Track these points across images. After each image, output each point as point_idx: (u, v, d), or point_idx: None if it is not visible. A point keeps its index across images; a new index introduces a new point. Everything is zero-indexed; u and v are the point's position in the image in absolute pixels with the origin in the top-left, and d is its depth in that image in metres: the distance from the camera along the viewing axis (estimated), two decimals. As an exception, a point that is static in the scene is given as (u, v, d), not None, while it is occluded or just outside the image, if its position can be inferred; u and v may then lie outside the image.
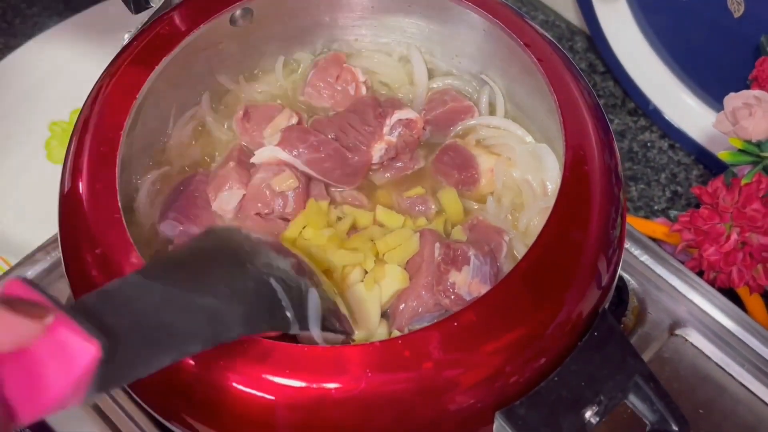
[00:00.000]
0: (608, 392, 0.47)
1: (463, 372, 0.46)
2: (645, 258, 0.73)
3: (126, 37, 0.61)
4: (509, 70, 0.63)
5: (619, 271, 0.54)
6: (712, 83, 0.88)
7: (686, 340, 0.70)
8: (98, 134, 0.54)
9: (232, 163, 0.60)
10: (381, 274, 0.55)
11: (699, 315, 0.71)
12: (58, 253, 0.55)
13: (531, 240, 0.50)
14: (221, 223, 0.60)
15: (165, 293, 0.40)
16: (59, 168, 0.55)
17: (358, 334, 0.54)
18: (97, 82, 0.58)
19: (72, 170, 0.54)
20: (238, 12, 0.62)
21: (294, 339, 0.54)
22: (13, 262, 0.72)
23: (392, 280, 0.55)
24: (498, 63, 0.64)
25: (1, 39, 1.00)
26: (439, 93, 0.66)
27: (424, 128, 0.64)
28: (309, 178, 0.61)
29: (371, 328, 0.55)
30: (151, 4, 0.61)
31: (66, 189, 0.54)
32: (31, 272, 0.70)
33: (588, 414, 0.47)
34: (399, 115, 0.62)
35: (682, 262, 0.74)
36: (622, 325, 0.70)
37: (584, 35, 1.01)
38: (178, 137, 0.64)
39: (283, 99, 0.67)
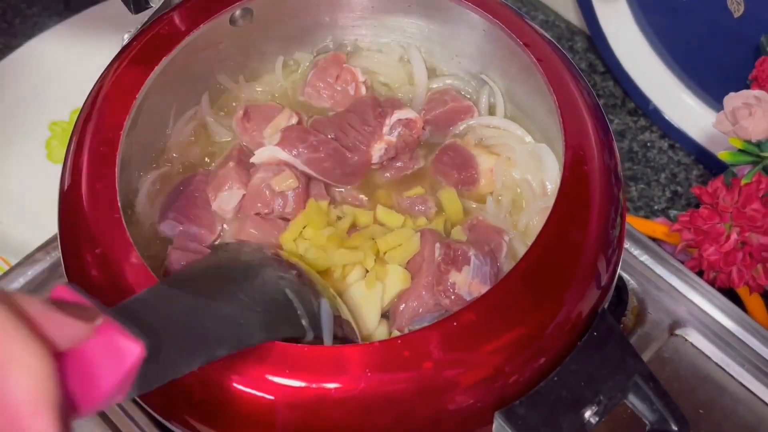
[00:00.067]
0: (608, 392, 0.47)
1: (463, 372, 0.46)
2: (645, 258, 0.73)
3: (126, 37, 0.61)
4: (509, 70, 0.63)
5: (619, 271, 0.54)
6: (712, 83, 0.88)
7: (686, 340, 0.70)
8: (98, 134, 0.54)
9: (231, 163, 0.60)
10: (383, 274, 0.55)
11: (699, 315, 0.71)
12: (58, 253, 0.55)
13: (531, 240, 0.50)
14: (221, 222, 0.60)
15: (191, 301, 0.42)
16: (59, 168, 0.55)
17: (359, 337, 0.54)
18: (97, 82, 0.58)
19: (72, 170, 0.54)
20: (237, 12, 0.62)
21: (294, 339, 0.54)
22: (13, 262, 0.72)
23: (395, 280, 0.55)
24: (498, 63, 0.64)
25: (1, 39, 1.00)
26: (438, 93, 0.67)
27: (423, 128, 0.64)
28: (309, 178, 0.61)
29: (370, 328, 0.55)
30: (151, 5, 0.61)
31: (66, 189, 0.54)
32: (31, 272, 0.70)
33: (587, 414, 0.47)
34: (398, 115, 0.62)
35: (682, 262, 0.74)
36: (621, 325, 0.70)
37: (584, 35, 1.01)
38: (177, 137, 0.64)
39: (282, 99, 0.67)
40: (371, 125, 0.62)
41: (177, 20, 0.60)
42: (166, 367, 0.37)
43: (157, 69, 0.57)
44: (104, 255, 0.49)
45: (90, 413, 0.33)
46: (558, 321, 0.48)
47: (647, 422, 0.50)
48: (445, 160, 0.62)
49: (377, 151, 0.61)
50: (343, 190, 0.62)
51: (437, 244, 0.55)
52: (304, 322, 0.48)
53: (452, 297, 0.54)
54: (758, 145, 0.74)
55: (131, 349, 0.33)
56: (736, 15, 0.82)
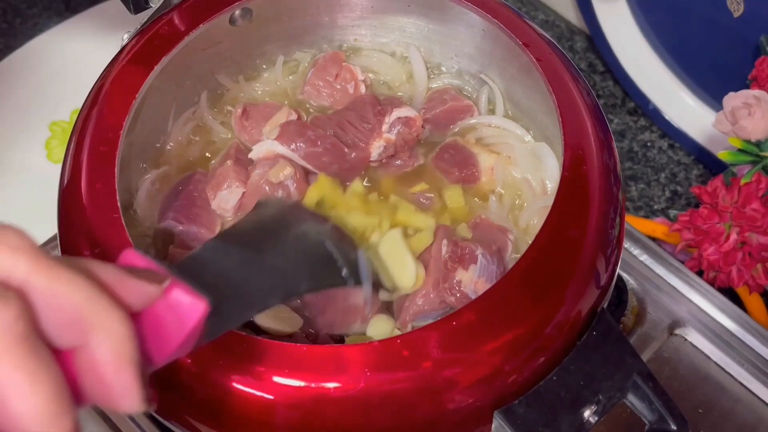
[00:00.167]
0: (607, 391, 0.48)
1: (462, 371, 0.46)
2: (644, 258, 0.73)
3: (125, 37, 0.61)
4: (508, 70, 0.63)
5: (619, 271, 0.54)
6: (712, 83, 0.88)
7: (686, 339, 0.70)
8: (98, 134, 0.54)
9: (229, 162, 0.60)
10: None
11: (698, 314, 0.71)
12: (57, 253, 0.55)
13: (531, 239, 0.50)
14: (221, 221, 0.60)
15: (242, 255, 0.45)
16: (59, 168, 0.55)
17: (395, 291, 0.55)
18: (96, 82, 0.58)
19: (71, 170, 0.54)
20: (237, 12, 0.62)
21: (294, 339, 0.54)
22: (13, 261, 0.72)
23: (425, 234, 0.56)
24: (497, 63, 0.64)
25: (2, 39, 1.00)
26: (438, 92, 0.67)
27: (423, 126, 0.64)
28: (307, 173, 0.61)
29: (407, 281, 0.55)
30: (151, 5, 0.61)
31: (65, 188, 0.54)
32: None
33: (587, 413, 0.47)
34: (398, 113, 0.62)
35: (682, 262, 0.74)
36: (621, 325, 0.70)
37: (584, 35, 1.01)
38: (177, 137, 0.64)
39: (282, 98, 0.67)
40: (370, 123, 0.62)
41: (176, 20, 0.60)
42: (225, 319, 0.40)
43: (157, 69, 0.57)
44: (104, 255, 0.49)
45: (161, 366, 0.36)
46: (557, 320, 0.48)
47: (646, 421, 0.50)
48: (446, 158, 0.62)
49: (376, 148, 0.61)
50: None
51: (444, 241, 0.55)
52: (344, 271, 0.50)
53: (458, 295, 0.54)
54: (758, 144, 0.74)
55: (197, 307, 0.36)
56: (736, 15, 0.82)
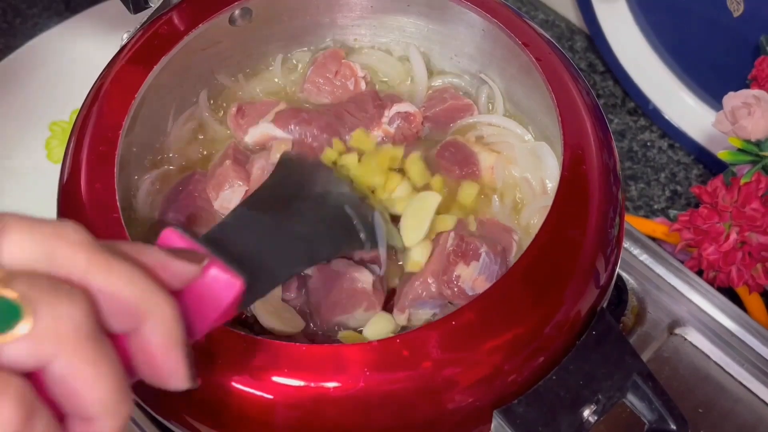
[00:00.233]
0: (606, 391, 0.48)
1: (462, 371, 0.46)
2: (644, 257, 0.73)
3: (125, 37, 0.61)
4: (508, 70, 0.63)
5: (619, 271, 0.54)
6: (712, 83, 0.88)
7: (685, 339, 0.70)
8: (97, 134, 0.54)
9: (228, 162, 0.60)
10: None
11: (698, 314, 0.71)
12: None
13: (531, 238, 0.50)
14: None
15: (268, 221, 0.46)
16: (59, 168, 0.55)
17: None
18: (96, 82, 0.58)
19: (71, 169, 0.54)
20: (237, 12, 0.62)
21: (293, 338, 0.54)
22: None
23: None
24: (497, 62, 0.64)
25: (1, 39, 1.00)
26: (438, 91, 0.67)
27: (423, 124, 0.64)
28: None
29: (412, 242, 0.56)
30: (150, 4, 0.61)
31: (65, 188, 0.54)
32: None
33: (586, 413, 0.47)
34: (398, 107, 0.62)
35: (682, 262, 0.74)
36: (621, 325, 0.70)
37: (584, 35, 1.01)
38: (176, 136, 0.64)
39: (282, 97, 0.67)
40: (369, 113, 0.62)
41: (176, 20, 0.60)
42: (255, 290, 0.41)
43: (156, 68, 0.57)
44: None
45: (201, 337, 0.38)
46: (557, 320, 0.48)
47: (646, 421, 0.50)
48: (447, 156, 0.62)
49: (373, 138, 0.61)
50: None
51: (452, 234, 0.55)
52: (362, 235, 0.51)
53: (455, 290, 0.54)
54: (757, 144, 0.74)
55: (234, 284, 0.37)
56: (736, 14, 0.82)
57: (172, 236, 0.39)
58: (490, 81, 0.66)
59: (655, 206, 0.88)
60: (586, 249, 0.50)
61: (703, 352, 0.69)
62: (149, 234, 0.59)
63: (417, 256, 0.56)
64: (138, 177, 0.61)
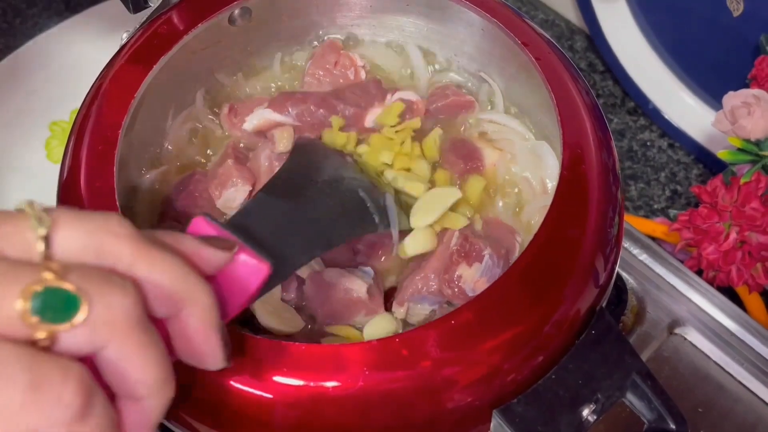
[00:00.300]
0: (606, 390, 0.47)
1: (461, 370, 0.46)
2: (644, 257, 0.73)
3: (124, 37, 0.61)
4: (508, 69, 0.63)
5: (619, 270, 0.54)
6: (712, 82, 0.88)
7: (685, 338, 0.70)
8: (96, 133, 0.54)
9: (230, 161, 0.60)
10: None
11: (698, 314, 0.71)
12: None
13: (531, 238, 0.50)
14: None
15: (286, 207, 0.48)
16: (59, 168, 0.55)
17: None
18: (95, 81, 0.58)
19: (70, 169, 0.54)
20: (236, 11, 0.62)
21: (292, 338, 0.54)
22: (13, 261, 0.72)
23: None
24: (496, 62, 0.64)
25: (2, 39, 1.00)
26: (440, 88, 0.66)
27: (426, 113, 0.64)
28: None
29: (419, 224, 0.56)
30: (150, 4, 0.61)
31: (64, 187, 0.54)
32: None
33: (585, 412, 0.47)
34: (400, 94, 0.62)
35: (682, 261, 0.74)
36: (621, 324, 0.70)
37: (584, 34, 1.01)
38: (176, 136, 0.64)
39: (279, 95, 0.67)
40: (372, 94, 0.62)
41: (175, 19, 0.60)
42: (279, 274, 0.42)
43: (156, 68, 0.57)
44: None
45: (231, 318, 0.40)
46: (556, 319, 0.48)
47: (645, 420, 0.50)
48: (452, 150, 0.62)
49: (373, 114, 0.61)
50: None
51: (456, 233, 0.55)
52: (375, 218, 0.52)
53: (455, 290, 0.54)
54: (757, 143, 0.74)
55: (261, 270, 0.39)
56: (736, 14, 0.82)
57: (202, 224, 0.40)
58: (489, 80, 0.66)
59: (655, 206, 0.88)
60: (585, 248, 0.50)
61: (702, 352, 0.69)
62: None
63: (413, 242, 0.56)
64: (138, 176, 0.61)
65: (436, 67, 0.68)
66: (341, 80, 0.65)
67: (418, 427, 0.47)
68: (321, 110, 0.61)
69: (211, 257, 0.38)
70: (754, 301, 0.77)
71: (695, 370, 0.69)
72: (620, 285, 0.70)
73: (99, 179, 0.52)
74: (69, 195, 0.53)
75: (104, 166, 0.53)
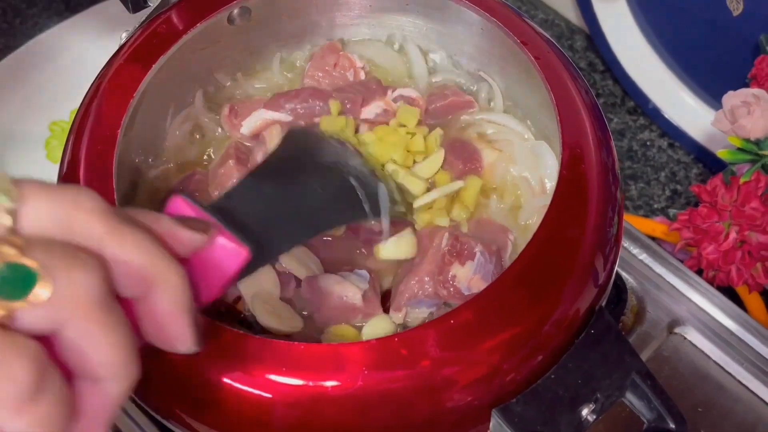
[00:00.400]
0: (605, 390, 0.47)
1: (460, 370, 0.46)
2: (644, 257, 0.73)
3: (123, 36, 0.61)
4: (507, 69, 0.63)
5: (618, 270, 0.54)
6: (711, 82, 0.88)
7: (685, 338, 0.70)
8: (95, 132, 0.54)
9: (231, 162, 0.60)
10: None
11: (698, 313, 0.71)
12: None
13: (530, 238, 0.50)
14: None
15: (274, 192, 0.47)
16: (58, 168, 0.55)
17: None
18: (94, 81, 0.58)
19: (69, 168, 0.54)
20: (236, 11, 0.62)
21: (292, 337, 0.54)
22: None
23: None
24: (496, 61, 0.64)
25: (2, 39, 1.00)
26: (439, 88, 0.66)
27: (426, 111, 0.64)
28: None
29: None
30: (149, 4, 0.61)
31: (63, 187, 0.54)
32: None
33: (585, 412, 0.47)
34: (401, 91, 0.62)
35: (681, 261, 0.74)
36: (621, 324, 0.70)
37: (584, 34, 1.01)
38: (175, 136, 0.64)
39: (280, 97, 0.67)
40: (372, 89, 0.62)
41: (175, 19, 0.60)
42: (259, 260, 0.41)
43: (155, 67, 0.57)
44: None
45: (206, 304, 0.39)
46: (555, 319, 0.48)
47: (645, 420, 0.49)
48: (451, 151, 0.62)
49: (374, 107, 0.61)
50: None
51: (446, 234, 0.55)
52: (366, 207, 0.52)
53: (450, 290, 0.54)
54: (757, 143, 0.74)
55: (239, 254, 0.38)
56: (735, 13, 0.82)
57: (181, 204, 0.39)
58: (489, 79, 0.66)
59: (655, 205, 0.88)
60: (584, 248, 0.50)
61: (702, 352, 0.69)
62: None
63: (392, 247, 0.56)
64: (137, 176, 0.61)
65: (436, 66, 0.68)
66: (340, 82, 0.65)
67: (418, 426, 0.47)
68: (317, 101, 0.62)
69: (187, 239, 0.37)
70: (754, 300, 0.77)
71: (695, 369, 0.69)
72: (620, 284, 0.70)
73: (98, 179, 0.52)
74: (68, 195, 0.53)
75: (103, 166, 0.53)
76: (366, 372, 0.45)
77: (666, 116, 0.92)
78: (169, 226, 0.37)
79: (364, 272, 0.56)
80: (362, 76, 0.66)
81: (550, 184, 0.60)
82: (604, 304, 0.52)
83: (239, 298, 0.55)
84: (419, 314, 0.55)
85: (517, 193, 0.61)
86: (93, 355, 0.33)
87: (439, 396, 0.46)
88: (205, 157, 0.64)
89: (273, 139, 0.60)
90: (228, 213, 0.40)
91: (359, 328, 0.54)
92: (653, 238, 0.78)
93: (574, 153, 0.53)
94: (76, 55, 0.93)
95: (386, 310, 0.55)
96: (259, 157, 0.60)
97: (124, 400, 0.35)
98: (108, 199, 0.51)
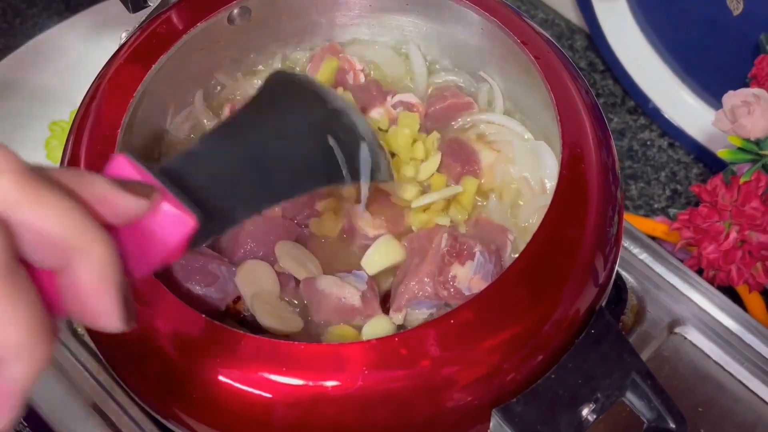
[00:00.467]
0: (605, 390, 0.47)
1: (460, 370, 0.46)
2: (644, 256, 0.73)
3: (123, 36, 0.61)
4: (507, 68, 0.63)
5: (619, 270, 0.54)
6: (712, 81, 0.88)
7: (685, 338, 0.70)
8: (95, 132, 0.54)
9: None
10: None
11: (698, 313, 0.71)
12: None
13: (530, 238, 0.50)
14: None
15: (236, 152, 0.42)
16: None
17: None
18: (94, 81, 0.58)
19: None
20: (236, 11, 0.62)
21: (292, 337, 0.54)
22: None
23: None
24: (496, 61, 0.64)
25: (2, 39, 1.00)
26: (438, 89, 0.67)
27: (425, 115, 0.63)
28: None
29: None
30: (149, 3, 0.61)
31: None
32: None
33: (585, 411, 0.47)
34: (400, 97, 0.62)
35: (682, 261, 0.74)
36: (621, 324, 0.70)
37: (584, 34, 1.01)
38: (174, 136, 0.64)
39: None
40: (372, 94, 0.62)
41: (175, 19, 0.60)
42: (211, 229, 0.38)
43: (155, 67, 0.57)
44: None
45: (145, 276, 0.35)
46: (555, 319, 0.48)
47: (645, 420, 0.49)
48: (449, 153, 0.62)
49: (374, 114, 0.61)
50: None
51: (445, 234, 0.55)
52: (343, 170, 0.48)
53: (451, 290, 0.54)
54: (757, 143, 0.74)
55: (186, 222, 0.35)
56: (736, 13, 0.82)
57: (124, 164, 0.35)
58: (489, 79, 0.66)
59: (655, 205, 0.88)
60: (584, 247, 0.50)
61: (702, 351, 0.69)
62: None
63: (376, 256, 0.56)
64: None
65: (436, 66, 0.68)
66: (340, 85, 0.65)
67: (418, 426, 0.47)
68: None
69: (123, 205, 0.33)
70: (754, 300, 0.77)
71: (695, 369, 0.69)
72: (620, 284, 0.70)
73: (98, 179, 0.52)
74: (68, 195, 0.53)
75: (103, 166, 0.52)
76: (366, 372, 0.45)
77: (666, 116, 0.92)
78: (105, 188, 0.33)
79: (362, 273, 0.56)
80: (362, 78, 0.66)
81: (550, 184, 0.60)
82: (604, 303, 0.52)
83: (239, 298, 0.55)
84: (419, 315, 0.55)
85: (517, 193, 0.61)
86: None
87: (439, 396, 0.46)
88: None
89: None
90: (181, 175, 0.37)
91: (359, 328, 0.54)
92: (653, 238, 0.78)
93: (574, 153, 0.53)
94: (76, 55, 0.93)
95: (386, 311, 0.55)
96: None
97: (32, 385, 0.31)
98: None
